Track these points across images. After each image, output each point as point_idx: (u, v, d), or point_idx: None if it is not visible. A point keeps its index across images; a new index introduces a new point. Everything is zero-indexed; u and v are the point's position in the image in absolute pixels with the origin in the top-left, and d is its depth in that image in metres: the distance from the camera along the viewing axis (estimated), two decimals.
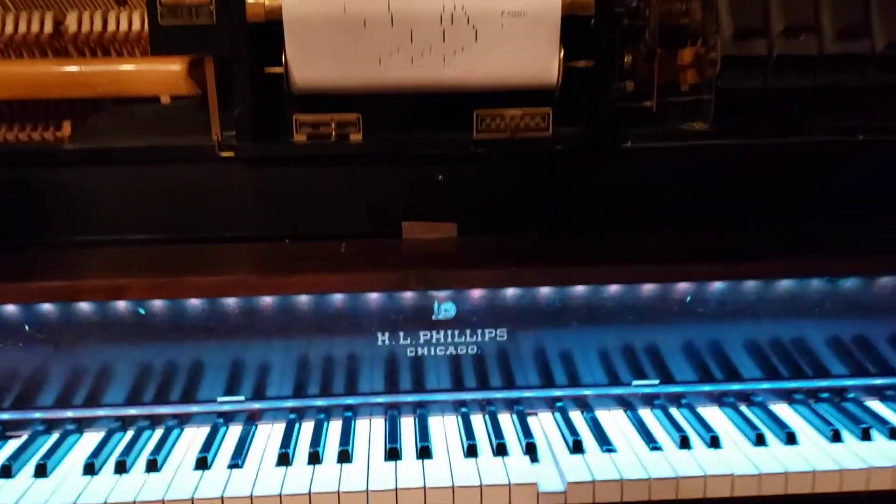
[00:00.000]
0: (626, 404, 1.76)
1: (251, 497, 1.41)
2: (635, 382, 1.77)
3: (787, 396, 1.76)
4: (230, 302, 1.67)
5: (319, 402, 1.66)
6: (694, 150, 1.83)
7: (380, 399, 1.74)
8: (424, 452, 1.57)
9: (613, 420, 1.73)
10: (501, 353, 1.74)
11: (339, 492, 1.44)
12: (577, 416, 1.74)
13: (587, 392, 1.76)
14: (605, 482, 1.45)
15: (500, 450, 1.58)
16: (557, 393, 1.76)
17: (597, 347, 1.75)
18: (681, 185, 1.95)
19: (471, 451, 1.57)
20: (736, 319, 1.73)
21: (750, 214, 1.97)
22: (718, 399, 1.78)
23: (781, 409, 1.73)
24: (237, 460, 1.55)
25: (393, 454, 1.56)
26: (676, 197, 1.96)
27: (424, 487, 1.44)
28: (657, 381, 1.77)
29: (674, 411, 1.74)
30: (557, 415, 1.73)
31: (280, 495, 1.42)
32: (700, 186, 1.96)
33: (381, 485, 1.45)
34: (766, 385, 1.77)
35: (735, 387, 1.77)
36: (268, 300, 1.67)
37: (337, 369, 1.72)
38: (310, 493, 1.43)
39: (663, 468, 1.49)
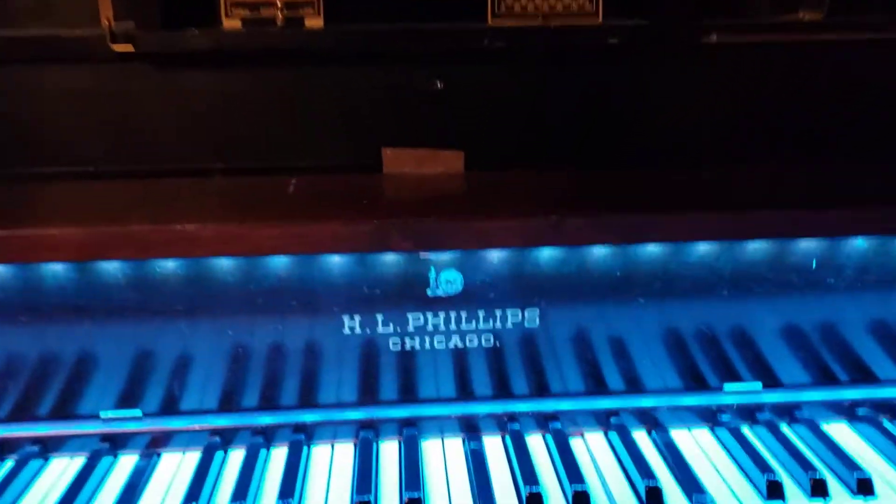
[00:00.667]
0: (713, 419, 1.19)
1: None
2: (728, 387, 1.19)
3: None
4: (114, 268, 1.08)
5: (256, 420, 1.16)
6: (801, 48, 1.31)
7: (348, 414, 1.17)
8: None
9: (696, 444, 1.16)
10: (530, 346, 1.17)
11: None
12: (642, 439, 1.17)
13: (656, 402, 1.19)
14: None
15: (533, 501, 1.00)
16: (612, 403, 1.19)
17: (671, 336, 1.17)
18: (784, 97, 1.36)
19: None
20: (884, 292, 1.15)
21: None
22: (849, 412, 1.20)
23: None
24: None
25: None
26: (776, 114, 1.36)
27: None
28: (759, 386, 1.19)
29: (786, 431, 1.16)
30: (614, 436, 1.16)
31: None
32: (809, 98, 1.36)
33: None
34: None
35: (878, 393, 1.19)
36: (172, 266, 1.08)
37: (283, 370, 1.15)
38: None
39: None
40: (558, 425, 1.18)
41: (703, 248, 1.14)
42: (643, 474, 1.05)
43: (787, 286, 1.16)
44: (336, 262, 1.11)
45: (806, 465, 1.06)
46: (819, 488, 1.03)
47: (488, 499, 1.01)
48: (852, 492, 1.03)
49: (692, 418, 1.20)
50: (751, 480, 1.06)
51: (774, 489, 1.02)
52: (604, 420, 1.19)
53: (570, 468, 1.07)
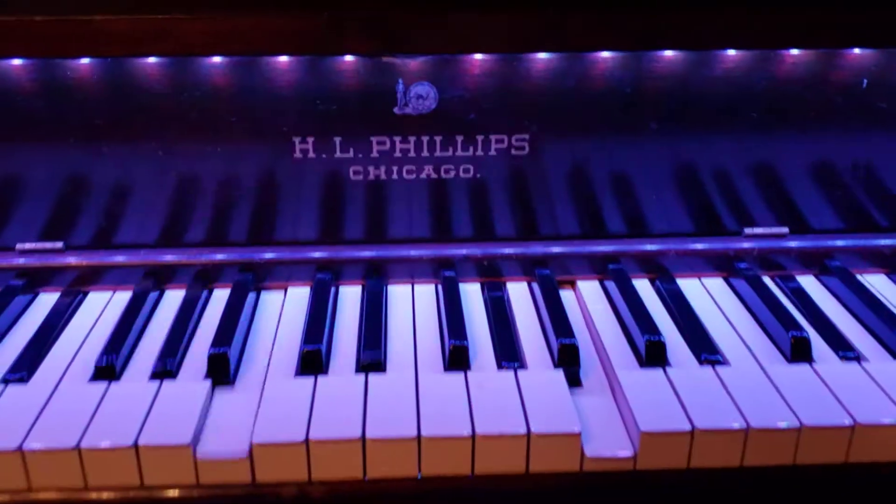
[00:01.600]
0: (729, 268, 1.02)
1: None
2: (748, 230, 1.02)
3: None
4: (13, 70, 0.89)
5: (196, 257, 1.01)
6: None
7: (304, 253, 0.99)
8: (374, 366, 0.84)
9: (706, 294, 0.99)
10: (517, 178, 0.97)
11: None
12: (644, 288, 1.00)
13: (661, 246, 1.01)
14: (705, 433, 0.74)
15: (507, 355, 0.85)
16: (611, 247, 1.01)
17: (683, 168, 0.98)
18: None
19: (456, 360, 0.84)
20: None
21: None
22: (887, 261, 1.03)
23: None
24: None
25: (313, 364, 0.83)
26: None
27: (363, 439, 0.73)
28: (786, 230, 1.02)
29: (810, 284, 1.00)
30: (612, 286, 0.99)
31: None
32: None
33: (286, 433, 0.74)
34: None
35: None
36: (85, 68, 0.89)
37: (224, 201, 0.98)
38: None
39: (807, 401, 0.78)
40: (547, 272, 1.01)
41: (731, 59, 0.93)
42: (642, 325, 0.89)
43: (830, 111, 0.96)
44: (281, 67, 0.91)
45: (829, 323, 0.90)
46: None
47: (459, 357, 0.85)
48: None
49: (702, 264, 1.03)
50: (772, 338, 0.90)
51: (800, 348, 0.86)
52: (601, 267, 1.02)
53: (557, 319, 0.91)
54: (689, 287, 1.00)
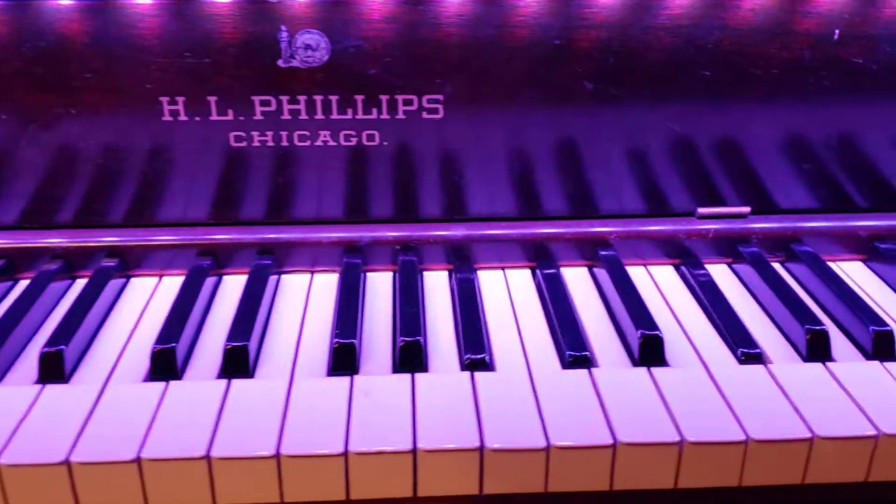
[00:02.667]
0: (681, 253, 0.87)
1: None
2: (701, 210, 0.87)
3: None
4: None
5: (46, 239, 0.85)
6: None
7: (181, 235, 0.85)
8: (238, 369, 0.69)
9: (652, 281, 0.85)
10: (432, 145, 0.82)
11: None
12: (579, 277, 0.86)
13: (604, 228, 0.87)
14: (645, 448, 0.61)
15: (410, 352, 0.70)
16: (545, 230, 0.87)
17: (625, 136, 0.84)
18: None
19: (342, 362, 0.69)
20: None
21: None
22: (863, 245, 0.89)
23: None
24: None
25: (167, 369, 0.69)
26: None
27: (210, 458, 0.59)
28: (747, 209, 0.87)
29: (779, 271, 0.86)
30: (542, 276, 0.84)
31: None
32: None
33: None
34: None
35: None
36: None
37: (83, 172, 0.82)
38: None
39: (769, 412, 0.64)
40: (467, 267, 0.86)
41: (679, 4, 0.78)
42: (562, 327, 0.74)
43: (797, 68, 0.82)
44: (142, 11, 0.76)
45: (798, 310, 0.75)
46: (817, 345, 0.72)
47: (346, 358, 0.71)
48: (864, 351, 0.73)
49: (653, 249, 0.88)
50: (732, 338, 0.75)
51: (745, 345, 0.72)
52: (533, 252, 0.88)
53: (468, 317, 0.76)
54: (637, 276, 0.86)
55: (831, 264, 0.88)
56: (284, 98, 0.80)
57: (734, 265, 0.88)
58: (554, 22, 0.78)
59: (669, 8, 0.79)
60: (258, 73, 0.79)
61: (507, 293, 0.84)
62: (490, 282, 0.86)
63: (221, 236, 0.86)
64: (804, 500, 0.65)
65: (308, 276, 0.87)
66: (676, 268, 0.88)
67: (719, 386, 0.68)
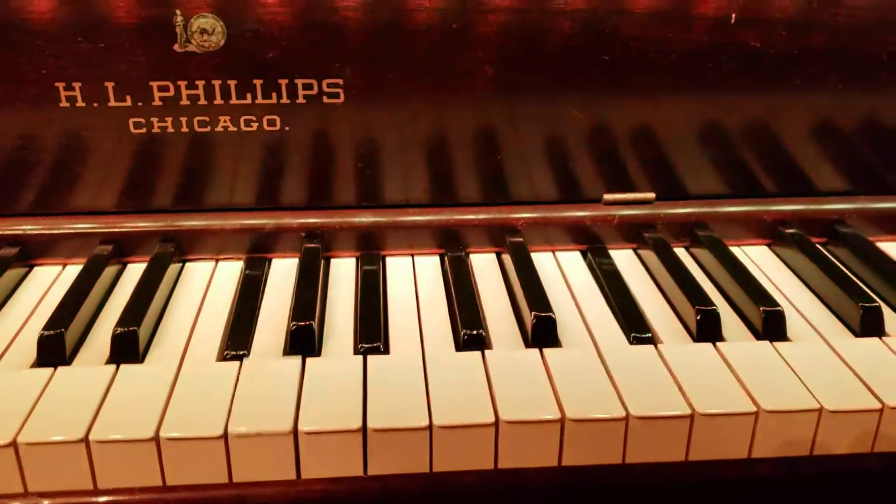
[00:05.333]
0: (588, 238, 0.88)
1: None
2: (607, 197, 0.88)
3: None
4: None
5: None
6: None
7: (81, 224, 0.84)
8: (127, 354, 0.69)
9: (557, 266, 0.85)
10: (334, 131, 0.82)
11: None
12: (488, 262, 0.86)
13: (513, 214, 0.87)
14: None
15: (301, 336, 0.70)
16: (452, 216, 0.87)
17: (528, 122, 0.84)
18: None
19: (233, 347, 0.69)
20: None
21: None
22: (767, 229, 0.90)
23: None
24: None
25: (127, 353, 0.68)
26: None
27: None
28: (652, 195, 0.88)
29: (683, 255, 0.86)
30: (448, 261, 0.84)
31: None
32: None
33: None
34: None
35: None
36: None
37: None
38: None
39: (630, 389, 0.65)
40: (371, 244, 0.86)
41: None
42: (462, 310, 0.74)
43: (696, 53, 0.82)
44: None
45: (689, 288, 0.76)
46: (709, 328, 0.73)
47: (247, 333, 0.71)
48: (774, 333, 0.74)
49: (561, 235, 0.89)
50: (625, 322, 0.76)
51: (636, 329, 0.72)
52: (439, 239, 0.88)
53: (366, 296, 0.76)
54: (543, 261, 0.86)
55: (736, 249, 0.89)
56: (182, 83, 0.79)
57: (639, 250, 0.89)
58: (452, 6, 0.78)
59: None
60: (154, 58, 0.78)
61: (413, 278, 0.84)
62: (399, 267, 0.86)
63: (125, 224, 0.85)
64: (689, 478, 0.66)
65: (212, 263, 0.86)
66: (583, 253, 0.89)
67: (607, 366, 0.68)
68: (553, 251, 0.89)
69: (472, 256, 0.88)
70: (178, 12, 0.76)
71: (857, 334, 0.73)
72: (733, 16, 0.81)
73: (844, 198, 0.90)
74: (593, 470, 0.64)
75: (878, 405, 0.63)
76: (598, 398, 0.64)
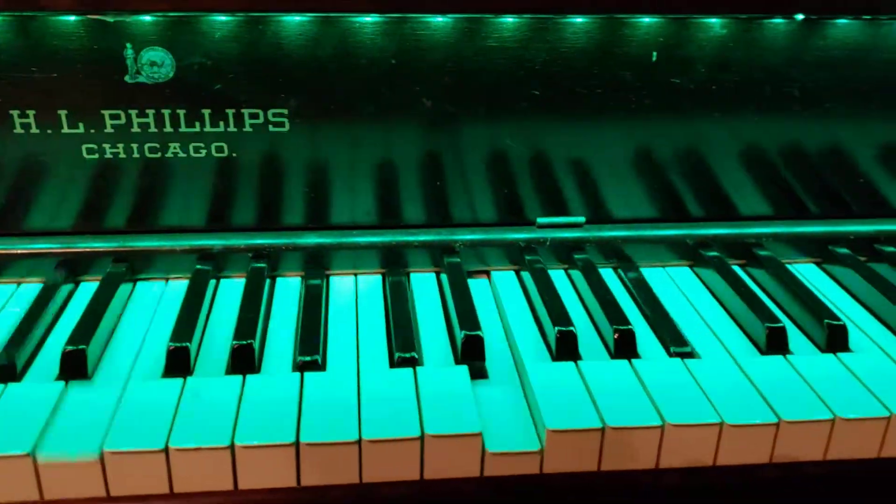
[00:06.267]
0: (519, 261, 0.93)
1: None
2: (541, 220, 0.93)
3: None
4: None
5: None
6: None
7: (33, 245, 0.87)
8: (76, 371, 0.73)
9: (490, 287, 0.90)
10: (279, 157, 0.87)
11: None
12: (428, 282, 0.91)
13: (451, 237, 0.92)
14: None
15: (242, 355, 0.74)
16: (393, 237, 0.92)
17: (464, 151, 0.90)
18: None
19: (176, 365, 0.73)
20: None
21: None
22: (689, 251, 0.95)
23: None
24: None
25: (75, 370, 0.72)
26: None
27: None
28: (582, 219, 0.94)
29: (610, 275, 0.92)
30: (388, 282, 0.89)
31: None
32: None
33: None
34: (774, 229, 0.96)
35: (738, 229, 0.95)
36: None
37: None
38: None
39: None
40: (316, 264, 0.90)
41: (507, 27, 0.84)
42: (398, 332, 0.79)
43: (619, 87, 0.88)
44: None
45: (612, 313, 0.81)
46: (624, 345, 0.78)
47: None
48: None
49: (499, 258, 0.94)
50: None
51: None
52: (382, 260, 0.93)
53: (308, 316, 0.80)
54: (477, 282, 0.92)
55: (660, 269, 0.95)
56: (133, 112, 0.83)
57: (570, 270, 0.94)
58: (389, 43, 0.83)
59: (499, 31, 0.84)
60: (106, 88, 0.82)
61: (355, 298, 0.88)
62: (342, 286, 0.90)
63: (79, 246, 0.88)
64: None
65: (163, 283, 0.90)
66: (517, 273, 0.94)
67: (526, 383, 0.73)
68: (488, 271, 0.94)
69: (414, 276, 0.93)
70: (128, 45, 0.80)
71: (762, 352, 0.79)
72: (654, 54, 0.86)
73: (763, 222, 0.96)
74: (514, 480, 0.69)
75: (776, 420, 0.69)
76: (515, 415, 0.69)
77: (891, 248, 0.96)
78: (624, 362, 0.76)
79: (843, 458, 0.71)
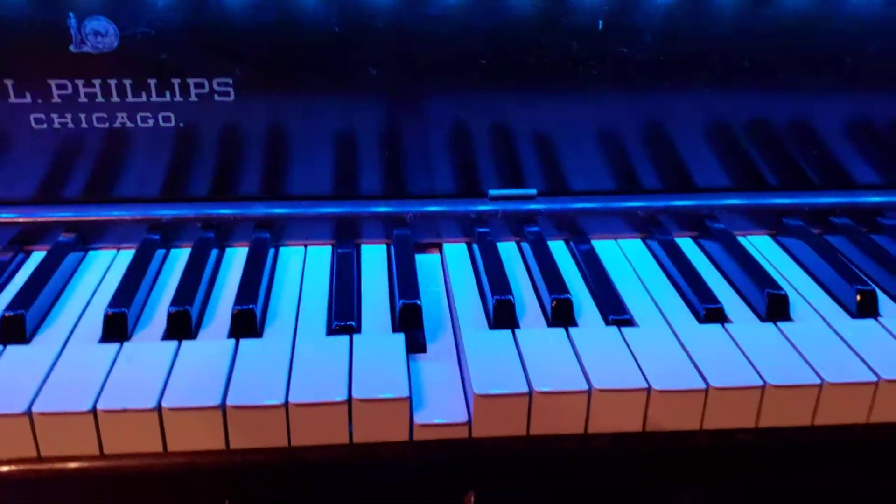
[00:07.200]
0: (470, 233, 0.93)
1: None
2: (493, 193, 0.93)
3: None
4: None
5: None
6: None
7: None
8: (13, 336, 0.74)
9: (441, 257, 0.90)
10: (225, 126, 0.87)
11: None
12: (378, 253, 0.91)
13: (402, 208, 0.92)
14: None
15: (178, 321, 0.75)
16: (341, 209, 0.92)
17: (412, 121, 0.89)
18: None
19: (112, 330, 0.74)
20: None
21: None
22: (640, 223, 0.95)
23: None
24: None
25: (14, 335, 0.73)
26: None
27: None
28: (534, 191, 0.93)
29: (560, 247, 0.92)
30: (336, 253, 0.89)
31: None
32: None
33: None
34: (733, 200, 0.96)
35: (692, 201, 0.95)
36: None
37: None
38: None
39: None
40: (266, 235, 0.91)
41: None
42: (338, 297, 0.79)
43: (565, 58, 0.88)
44: None
45: (556, 286, 0.81)
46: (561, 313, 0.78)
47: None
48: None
49: (451, 227, 0.94)
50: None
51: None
52: (334, 230, 0.93)
53: (247, 283, 0.81)
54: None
55: (612, 242, 0.95)
56: (79, 82, 0.84)
57: (521, 243, 0.94)
58: (333, 11, 0.83)
59: None
60: (51, 58, 0.82)
61: (302, 268, 0.89)
62: (291, 257, 0.91)
63: (29, 216, 0.89)
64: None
65: (114, 252, 0.91)
66: (468, 245, 0.94)
67: (461, 351, 0.73)
68: (441, 243, 0.94)
69: (365, 248, 0.93)
70: (71, 14, 0.81)
71: (700, 321, 0.79)
72: (601, 23, 0.86)
73: (716, 194, 0.96)
74: (441, 444, 0.69)
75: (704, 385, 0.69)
76: (445, 381, 0.69)
77: (844, 220, 0.95)
78: (560, 330, 0.76)
79: (775, 425, 0.71)
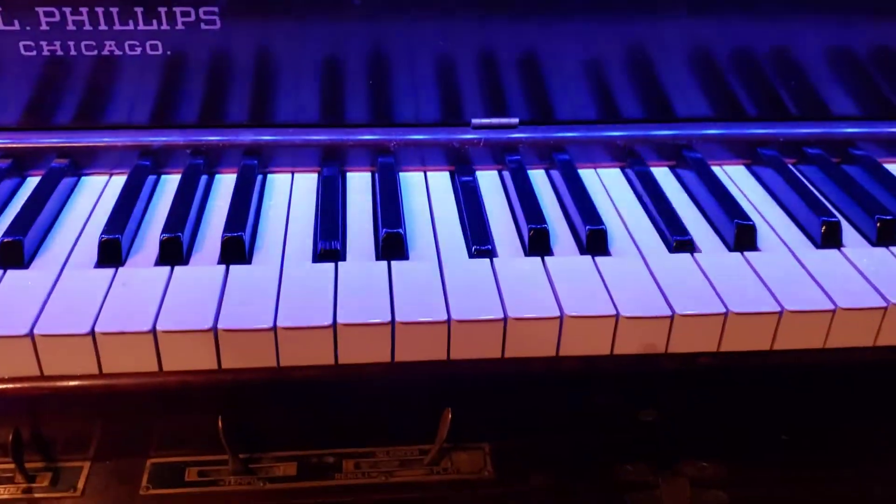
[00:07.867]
0: (457, 160, 0.95)
1: None
2: (475, 121, 0.95)
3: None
4: None
5: None
6: None
7: None
8: (10, 260, 0.77)
9: (425, 186, 0.93)
10: (213, 55, 0.89)
11: None
12: (363, 181, 0.94)
13: (385, 136, 0.94)
14: None
15: (170, 247, 0.78)
16: (328, 136, 0.94)
17: (397, 49, 0.91)
18: None
19: (108, 256, 0.77)
20: None
21: None
22: (618, 153, 0.98)
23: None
24: None
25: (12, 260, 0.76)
26: None
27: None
28: (516, 120, 0.96)
29: (537, 177, 0.94)
30: (320, 179, 0.92)
31: None
32: None
33: None
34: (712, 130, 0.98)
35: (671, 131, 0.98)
36: None
37: None
38: None
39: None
40: (253, 162, 0.93)
41: None
42: (323, 223, 0.82)
43: None
44: None
45: (531, 212, 0.84)
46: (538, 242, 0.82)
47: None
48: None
49: (438, 156, 0.97)
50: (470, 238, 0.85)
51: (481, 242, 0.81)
52: (320, 158, 0.95)
53: (236, 208, 0.84)
54: (412, 181, 0.94)
55: (591, 170, 0.97)
56: (67, 10, 0.85)
57: (502, 172, 0.97)
58: None
59: None
60: None
61: (289, 195, 0.91)
62: (279, 184, 0.93)
63: (22, 142, 0.91)
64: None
65: (106, 178, 0.93)
66: (451, 174, 0.96)
67: (444, 277, 0.77)
68: (424, 171, 0.96)
69: (351, 176, 0.96)
70: None
71: (671, 251, 0.83)
72: None
73: (693, 123, 0.98)
74: (421, 365, 0.73)
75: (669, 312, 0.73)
76: (429, 305, 0.73)
77: (817, 151, 0.98)
78: (536, 258, 0.80)
79: (736, 349, 0.76)
